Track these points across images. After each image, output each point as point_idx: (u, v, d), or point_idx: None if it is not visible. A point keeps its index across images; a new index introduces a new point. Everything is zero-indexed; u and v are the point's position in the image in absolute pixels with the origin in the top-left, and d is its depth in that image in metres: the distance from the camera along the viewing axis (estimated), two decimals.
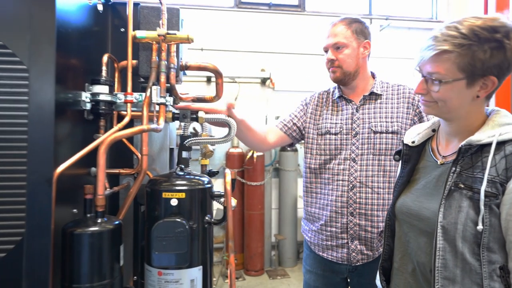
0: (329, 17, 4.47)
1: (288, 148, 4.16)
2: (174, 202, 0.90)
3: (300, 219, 4.22)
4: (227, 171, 0.96)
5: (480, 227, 0.81)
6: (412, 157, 1.03)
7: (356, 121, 1.43)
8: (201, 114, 1.17)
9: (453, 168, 0.88)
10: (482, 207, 0.81)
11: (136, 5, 1.16)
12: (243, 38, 4.31)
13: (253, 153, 3.88)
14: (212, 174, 1.31)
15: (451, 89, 0.86)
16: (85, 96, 1.01)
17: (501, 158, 0.83)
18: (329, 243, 1.44)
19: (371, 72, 1.52)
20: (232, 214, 0.99)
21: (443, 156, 0.97)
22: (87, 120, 1.06)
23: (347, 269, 1.45)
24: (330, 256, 1.45)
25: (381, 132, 1.39)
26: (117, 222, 0.87)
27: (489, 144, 0.84)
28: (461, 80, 0.85)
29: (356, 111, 1.44)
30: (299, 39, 4.41)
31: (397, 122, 1.40)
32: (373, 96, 1.46)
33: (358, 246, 1.39)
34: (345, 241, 1.41)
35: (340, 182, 1.41)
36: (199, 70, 1.21)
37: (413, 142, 1.04)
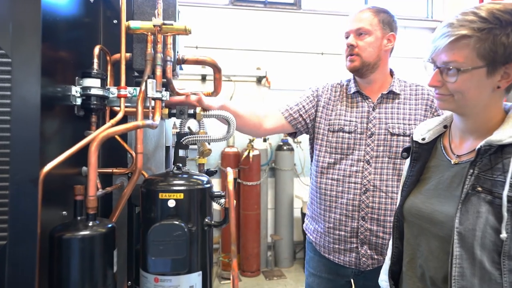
0: (325, 16, 4.48)
1: (285, 148, 4.11)
2: (171, 203, 0.84)
3: (296, 219, 4.19)
4: (229, 169, 0.90)
5: (504, 235, 0.75)
6: (422, 155, 0.97)
7: (372, 120, 1.34)
8: (198, 110, 1.11)
9: (471, 171, 0.81)
10: (505, 213, 0.75)
11: None
12: (238, 36, 4.25)
13: (249, 153, 3.83)
14: (210, 173, 1.25)
15: (469, 79, 0.79)
16: (75, 90, 0.95)
17: None
18: (337, 246, 1.37)
19: (390, 69, 1.44)
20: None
21: (457, 155, 0.91)
22: (77, 116, 1.00)
23: (352, 272, 1.39)
24: (337, 259, 1.38)
25: (398, 135, 1.31)
26: (110, 225, 0.80)
27: (510, 145, 0.78)
28: (481, 68, 0.78)
29: (373, 110, 1.36)
30: (295, 38, 4.37)
31: (415, 124, 1.32)
32: (391, 95, 1.37)
33: (368, 251, 1.33)
34: (354, 245, 1.34)
35: (353, 184, 1.33)
36: (197, 64, 1.15)
37: (423, 139, 0.97)
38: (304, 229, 1.55)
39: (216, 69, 1.18)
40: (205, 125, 1.30)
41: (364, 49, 1.32)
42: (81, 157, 0.89)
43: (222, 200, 0.98)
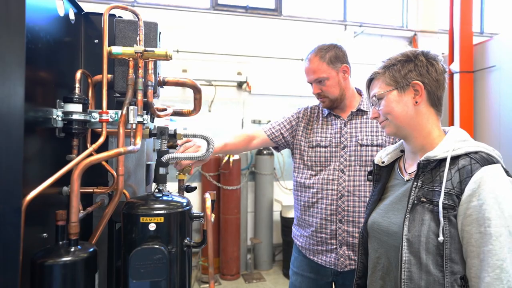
0: (305, 22, 4.57)
1: (264, 152, 4.17)
2: (152, 227, 0.87)
3: (276, 222, 4.27)
4: (207, 195, 0.95)
5: (441, 238, 0.87)
6: (382, 176, 1.10)
7: (344, 135, 1.54)
8: (179, 131, 1.15)
9: (415, 183, 0.94)
10: (441, 219, 0.87)
11: (111, 16, 1.12)
12: (219, 40, 4.28)
13: (229, 157, 3.87)
14: (190, 189, 1.29)
15: (389, 101, 1.01)
16: (57, 114, 0.96)
17: (455, 172, 0.89)
18: (319, 247, 1.54)
19: (356, 89, 1.63)
20: None
21: (408, 173, 1.04)
22: (58, 137, 1.01)
23: (332, 273, 1.54)
24: (320, 260, 1.54)
25: (367, 145, 1.50)
26: (91, 250, 0.83)
27: (445, 159, 0.91)
28: (392, 91, 1.01)
29: (344, 126, 1.55)
30: (275, 43, 4.43)
31: (382, 136, 1.51)
32: (360, 112, 1.56)
33: (346, 252, 1.49)
34: (334, 246, 1.51)
35: (330, 191, 1.51)
36: (177, 85, 1.19)
37: (383, 162, 1.11)
38: (293, 237, 1.71)
39: (196, 90, 1.22)
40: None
41: (328, 91, 1.54)
42: (62, 177, 0.90)
43: (202, 219, 1.02)
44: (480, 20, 5.34)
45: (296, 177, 1.63)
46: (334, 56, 1.52)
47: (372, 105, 1.07)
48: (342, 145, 1.53)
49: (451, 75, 4.37)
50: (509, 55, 3.95)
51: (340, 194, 1.49)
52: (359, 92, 1.62)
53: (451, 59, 4.35)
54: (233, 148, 1.57)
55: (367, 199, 1.41)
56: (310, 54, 1.55)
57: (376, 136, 1.51)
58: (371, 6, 4.96)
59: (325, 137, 1.56)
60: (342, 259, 1.49)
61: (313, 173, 1.55)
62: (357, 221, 1.47)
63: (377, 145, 1.49)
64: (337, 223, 1.49)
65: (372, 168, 1.46)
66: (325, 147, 1.54)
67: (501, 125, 4.04)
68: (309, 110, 1.66)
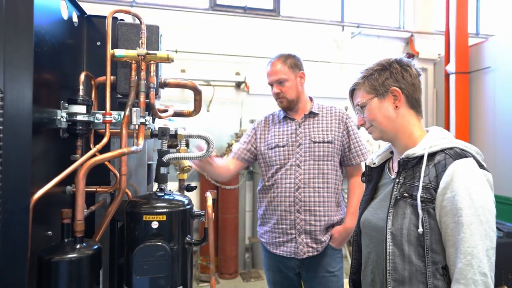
0: (303, 23, 4.60)
1: None
2: (155, 225, 0.90)
3: None
4: (208, 194, 0.97)
5: (420, 229, 0.92)
6: (374, 177, 1.16)
7: (299, 134, 1.73)
8: (180, 131, 1.17)
9: (397, 180, 1.00)
10: (420, 211, 0.92)
11: (113, 19, 1.14)
12: (218, 41, 4.30)
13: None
14: (190, 189, 1.32)
15: (371, 108, 1.07)
16: (61, 115, 0.99)
17: (432, 167, 0.95)
18: (281, 239, 1.69)
19: (309, 97, 1.86)
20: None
21: (395, 172, 1.09)
22: (62, 138, 1.04)
23: (297, 265, 1.70)
24: (282, 252, 1.69)
25: (319, 142, 1.69)
26: (96, 247, 0.86)
27: (423, 156, 0.96)
28: (373, 98, 1.07)
29: (299, 127, 1.75)
30: (273, 44, 4.46)
31: (331, 134, 1.72)
32: (312, 114, 1.77)
33: (305, 239, 1.65)
34: (294, 236, 1.66)
35: (288, 184, 1.68)
36: (178, 87, 1.22)
37: (374, 163, 1.16)
38: (259, 237, 1.85)
39: (197, 92, 1.25)
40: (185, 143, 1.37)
41: (286, 92, 1.73)
42: (65, 177, 0.93)
43: (203, 218, 1.05)
44: (475, 22, 5.39)
45: (262, 180, 1.79)
46: (293, 63, 1.74)
47: (357, 113, 1.14)
48: (298, 143, 1.71)
49: (447, 76, 4.42)
50: (504, 56, 4.00)
51: (297, 187, 1.66)
52: (311, 99, 1.83)
53: (447, 60, 4.41)
54: (220, 173, 1.76)
55: (321, 189, 1.65)
56: (272, 60, 1.77)
57: (327, 134, 1.71)
58: (368, 7, 5.00)
59: (282, 138, 1.74)
60: (301, 246, 1.64)
61: (274, 171, 1.72)
62: (313, 210, 1.65)
63: (328, 142, 1.68)
64: (295, 213, 1.65)
65: (322, 159, 1.66)
66: (283, 146, 1.72)
67: (496, 124, 4.09)
68: (263, 120, 1.87)
